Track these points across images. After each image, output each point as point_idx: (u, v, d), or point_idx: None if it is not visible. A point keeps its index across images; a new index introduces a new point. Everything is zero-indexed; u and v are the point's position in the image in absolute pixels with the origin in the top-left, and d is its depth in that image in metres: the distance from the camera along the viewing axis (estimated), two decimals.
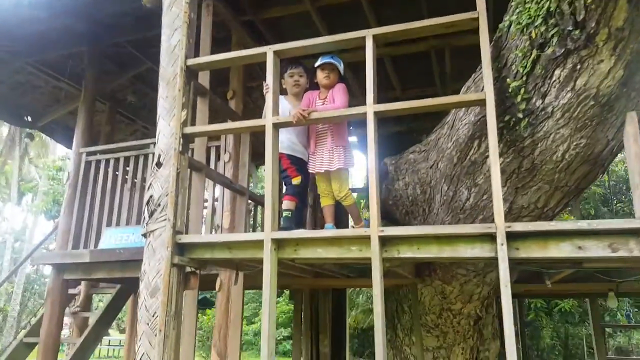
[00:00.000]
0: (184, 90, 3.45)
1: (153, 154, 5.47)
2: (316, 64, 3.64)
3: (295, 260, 3.24)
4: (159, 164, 3.38)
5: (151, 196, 3.32)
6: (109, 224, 5.63)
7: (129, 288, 6.74)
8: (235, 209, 4.93)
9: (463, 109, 3.26)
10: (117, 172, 5.80)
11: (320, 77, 3.61)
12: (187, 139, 3.44)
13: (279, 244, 3.07)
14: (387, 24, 3.10)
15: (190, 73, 3.53)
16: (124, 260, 5.14)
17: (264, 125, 3.22)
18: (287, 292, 12.43)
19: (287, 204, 3.73)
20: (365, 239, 2.89)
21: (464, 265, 3.96)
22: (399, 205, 4.08)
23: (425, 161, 3.79)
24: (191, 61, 3.51)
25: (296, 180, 3.73)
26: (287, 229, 3.43)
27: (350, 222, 3.91)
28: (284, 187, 3.81)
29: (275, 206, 3.12)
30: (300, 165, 3.75)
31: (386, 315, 5.68)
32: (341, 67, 3.67)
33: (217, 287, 4.55)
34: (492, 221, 2.99)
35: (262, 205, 6.50)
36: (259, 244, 3.09)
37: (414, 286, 4.65)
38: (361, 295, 14.95)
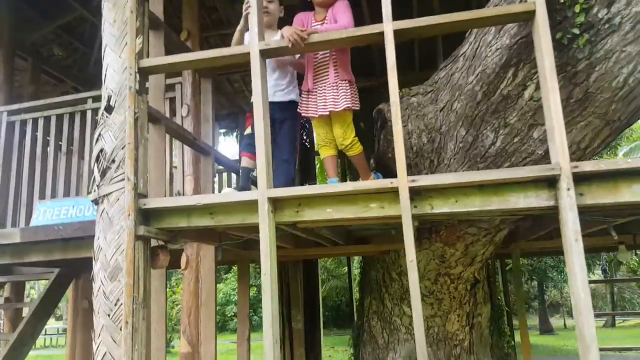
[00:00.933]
0: (137, 12, 2.65)
1: (93, 109, 4.65)
2: None
3: (298, 225, 2.59)
4: (109, 109, 2.59)
5: (101, 150, 2.54)
6: (42, 197, 4.70)
7: (69, 272, 5.84)
8: (200, 173, 4.18)
9: (492, 31, 2.69)
10: (48, 137, 4.84)
11: None
12: (144, 76, 2.66)
13: (275, 204, 2.41)
14: None
15: None
16: (65, 239, 4.26)
17: (248, 54, 2.50)
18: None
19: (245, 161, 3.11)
20: (390, 193, 2.29)
21: (476, 223, 3.47)
22: None
23: (432, 103, 3.22)
24: None
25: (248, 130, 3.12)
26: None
27: None
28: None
29: (269, 158, 2.45)
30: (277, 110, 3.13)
31: (372, 284, 5.19)
32: None
33: (182, 265, 3.83)
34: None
35: (232, 169, 5.77)
36: (251, 205, 2.42)
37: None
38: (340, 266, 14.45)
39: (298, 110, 3.06)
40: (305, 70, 3.02)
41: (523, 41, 2.49)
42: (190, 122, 4.15)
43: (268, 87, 3.20)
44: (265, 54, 2.51)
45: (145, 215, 2.53)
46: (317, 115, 2.93)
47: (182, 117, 4.15)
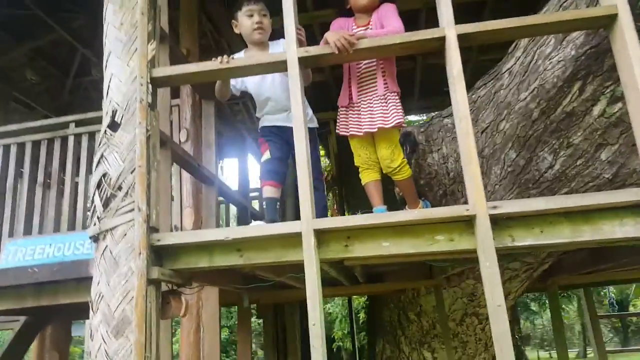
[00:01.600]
0: (149, 14, 2.27)
1: (75, 135, 4.17)
2: None
3: (345, 262, 2.18)
4: (113, 126, 2.16)
5: (104, 175, 2.09)
6: (11, 234, 4.13)
7: (37, 320, 5.19)
8: (201, 204, 3.73)
9: (551, 42, 2.40)
10: (21, 168, 4.31)
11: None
12: (155, 88, 2.26)
13: (319, 237, 2.00)
14: None
15: None
16: (38, 283, 3.71)
17: (284, 62, 2.13)
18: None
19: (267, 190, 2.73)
20: (461, 222, 1.92)
21: (521, 257, 3.12)
22: (433, 185, 3.16)
23: (472, 124, 2.90)
24: None
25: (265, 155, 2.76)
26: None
27: None
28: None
29: (311, 183, 2.05)
30: (279, 135, 2.80)
31: (384, 326, 4.75)
32: None
33: (181, 312, 3.31)
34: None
35: (234, 201, 5.23)
36: (289, 239, 2.01)
37: (437, 287, 3.72)
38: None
39: (337, 130, 2.68)
40: (345, 83, 2.65)
41: (592, 51, 2.21)
42: (190, 148, 3.73)
43: (280, 107, 2.86)
44: (304, 62, 2.14)
45: (157, 254, 2.08)
46: (361, 133, 2.55)
47: (180, 142, 3.72)
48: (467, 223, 1.91)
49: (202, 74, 2.27)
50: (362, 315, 9.61)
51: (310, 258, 1.91)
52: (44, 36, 6.22)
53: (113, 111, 2.17)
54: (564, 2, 2.33)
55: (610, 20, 1.99)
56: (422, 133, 3.20)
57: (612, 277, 4.99)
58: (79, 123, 4.22)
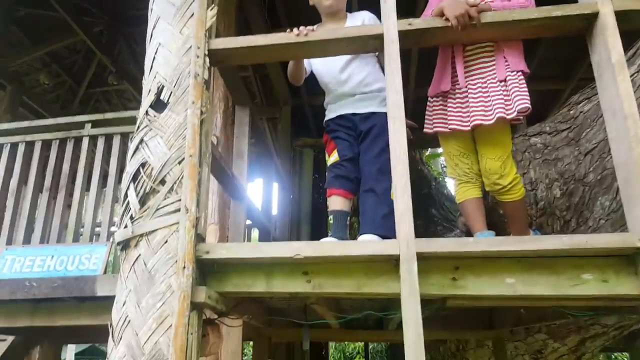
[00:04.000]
0: None
1: (90, 136, 3.72)
2: None
3: (449, 300, 1.68)
4: (158, 105, 1.70)
5: (143, 164, 1.62)
6: (9, 242, 3.61)
7: (26, 341, 4.61)
8: (227, 221, 3.24)
9: None
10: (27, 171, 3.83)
11: None
12: (213, 64, 1.81)
13: (419, 265, 1.50)
14: None
15: None
16: (36, 300, 3.19)
17: (380, 36, 1.68)
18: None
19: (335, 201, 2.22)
20: (625, 257, 1.43)
21: (617, 311, 2.61)
22: None
23: (571, 145, 2.45)
24: None
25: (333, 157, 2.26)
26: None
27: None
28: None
29: (408, 191, 1.57)
30: (347, 127, 2.29)
31: None
32: None
33: (219, 347, 2.77)
34: None
35: (261, 226, 4.67)
36: (379, 265, 1.52)
37: (498, 341, 3.14)
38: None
39: (426, 127, 2.17)
40: (445, 60, 2.11)
41: None
42: (219, 158, 3.26)
43: (346, 91, 2.34)
44: (405, 38, 1.69)
45: (200, 271, 1.58)
46: (469, 128, 2.00)
47: None
48: (629, 259, 1.42)
49: (272, 49, 1.81)
50: None
51: (412, 291, 1.42)
52: (62, 40, 5.88)
53: (159, 87, 1.71)
54: None
55: None
56: None
57: None
58: (95, 123, 3.78)
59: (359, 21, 2.29)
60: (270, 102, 6.32)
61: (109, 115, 3.82)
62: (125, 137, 3.53)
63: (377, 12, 1.92)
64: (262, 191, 5.05)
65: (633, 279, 1.41)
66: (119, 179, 3.59)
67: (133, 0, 5.60)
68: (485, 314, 3.15)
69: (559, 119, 2.60)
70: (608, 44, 1.52)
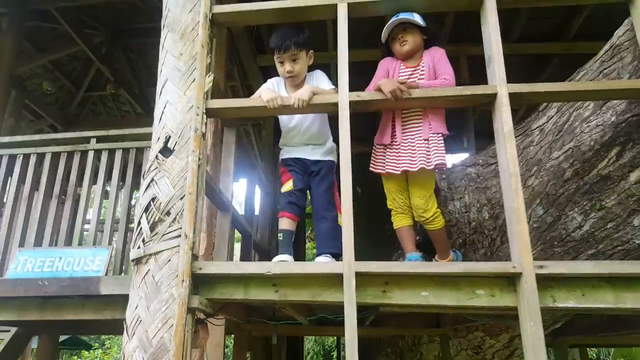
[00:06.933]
0: (208, 47, 2.34)
1: (95, 150, 4.18)
2: (382, 36, 2.69)
3: (381, 308, 2.20)
4: (166, 151, 2.20)
5: (154, 199, 2.12)
6: (22, 244, 4.08)
7: (27, 332, 5.06)
8: (214, 229, 3.73)
9: (590, 106, 2.50)
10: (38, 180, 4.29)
11: (397, 48, 2.64)
12: (209, 116, 2.31)
13: (357, 280, 2.02)
14: None
15: (214, 26, 2.44)
16: (46, 297, 3.65)
17: (334, 105, 2.20)
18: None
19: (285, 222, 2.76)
20: (503, 279, 1.96)
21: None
22: (453, 233, 3.20)
23: (497, 176, 2.98)
24: (218, 8, 2.42)
25: (287, 185, 2.79)
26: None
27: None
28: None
29: (351, 223, 2.09)
30: (300, 165, 2.83)
31: None
32: (420, 19, 2.61)
33: (206, 341, 3.28)
34: (610, 257, 2.28)
35: (243, 231, 5.17)
36: (326, 280, 2.03)
37: (444, 337, 3.71)
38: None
39: (371, 167, 2.68)
40: (388, 121, 2.63)
41: (634, 120, 2.31)
42: (208, 179, 3.75)
43: (305, 139, 2.86)
44: (354, 105, 2.21)
45: (194, 282, 2.09)
46: (399, 172, 2.53)
47: None
48: (509, 280, 1.95)
49: (252, 109, 2.34)
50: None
51: (350, 300, 1.93)
52: (64, 49, 6.31)
53: (167, 137, 2.21)
54: (605, 69, 2.43)
55: None
56: (444, 180, 3.26)
57: (631, 342, 4.92)
58: (100, 139, 4.24)
59: (313, 81, 2.77)
60: None
61: (113, 132, 4.28)
62: (126, 152, 4.02)
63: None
64: (246, 191, 5.56)
65: (512, 294, 1.94)
66: (120, 188, 4.09)
67: (131, 15, 6.06)
68: (434, 314, 3.68)
69: (490, 153, 3.13)
70: (502, 118, 2.05)
